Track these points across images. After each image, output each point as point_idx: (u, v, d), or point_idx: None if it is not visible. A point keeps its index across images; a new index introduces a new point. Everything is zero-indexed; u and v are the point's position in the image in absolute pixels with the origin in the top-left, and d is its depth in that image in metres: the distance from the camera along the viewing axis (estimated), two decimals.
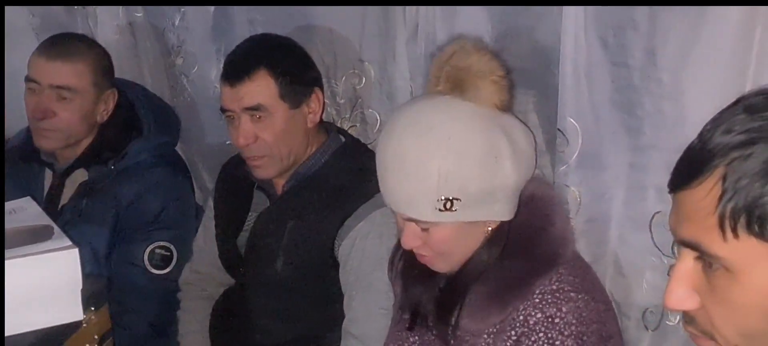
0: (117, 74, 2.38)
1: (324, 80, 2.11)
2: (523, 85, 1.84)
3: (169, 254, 2.25)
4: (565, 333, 1.47)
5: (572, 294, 1.51)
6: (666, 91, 1.56)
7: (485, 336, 1.56)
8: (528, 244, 1.57)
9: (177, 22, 2.47)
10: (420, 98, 1.61)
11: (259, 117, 1.92)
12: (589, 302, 1.51)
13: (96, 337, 1.64)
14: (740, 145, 0.88)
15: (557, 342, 1.47)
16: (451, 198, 1.50)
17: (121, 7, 2.56)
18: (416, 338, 1.72)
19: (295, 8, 2.21)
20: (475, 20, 1.85)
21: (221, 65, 2.20)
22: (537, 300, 1.51)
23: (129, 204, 2.23)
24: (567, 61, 1.67)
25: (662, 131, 1.59)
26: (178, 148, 2.52)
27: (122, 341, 1.95)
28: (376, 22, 2.06)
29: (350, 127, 2.21)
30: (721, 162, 0.89)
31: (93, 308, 1.62)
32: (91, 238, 2.17)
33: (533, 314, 1.50)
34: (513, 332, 1.52)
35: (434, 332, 1.66)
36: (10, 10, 2.73)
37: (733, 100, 0.95)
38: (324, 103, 2.04)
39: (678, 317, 1.62)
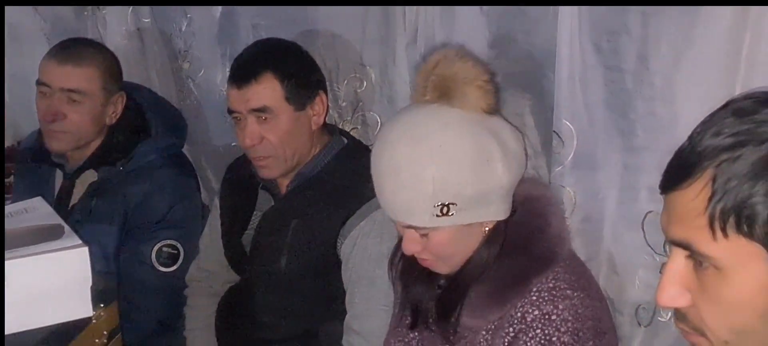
0: (126, 78, 2.38)
1: (327, 84, 2.11)
2: (520, 88, 1.85)
3: (176, 252, 2.25)
4: (562, 330, 1.48)
5: (568, 292, 1.51)
6: (658, 95, 1.56)
7: (484, 333, 1.57)
8: (525, 243, 1.57)
9: (184, 28, 2.47)
10: (409, 108, 1.61)
11: (265, 118, 1.93)
12: (584, 300, 1.52)
13: (105, 333, 1.64)
14: (729, 148, 0.89)
15: (554, 338, 1.48)
16: (447, 203, 1.50)
17: (129, 12, 2.56)
18: (416, 334, 1.73)
19: (298, 14, 2.21)
20: (473, 25, 1.85)
21: (226, 69, 2.21)
22: (534, 298, 1.51)
23: (137, 204, 2.23)
24: (562, 65, 1.67)
25: (654, 133, 1.59)
26: (185, 150, 2.52)
27: (131, 337, 1.95)
28: (376, 27, 2.06)
29: (352, 129, 2.21)
30: (711, 164, 0.90)
31: (102, 305, 1.62)
32: (100, 237, 2.17)
33: (530, 311, 1.51)
34: (511, 329, 1.52)
35: (433, 329, 1.67)
36: (21, 16, 2.75)
37: (722, 103, 0.96)
38: (328, 105, 2.04)
39: (670, 314, 1.62)
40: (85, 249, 1.56)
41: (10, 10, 2.75)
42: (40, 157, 2.34)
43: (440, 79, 1.53)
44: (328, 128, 2.08)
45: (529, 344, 1.49)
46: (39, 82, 2.20)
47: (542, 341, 1.48)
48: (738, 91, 1.40)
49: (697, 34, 1.46)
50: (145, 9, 2.55)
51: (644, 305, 1.71)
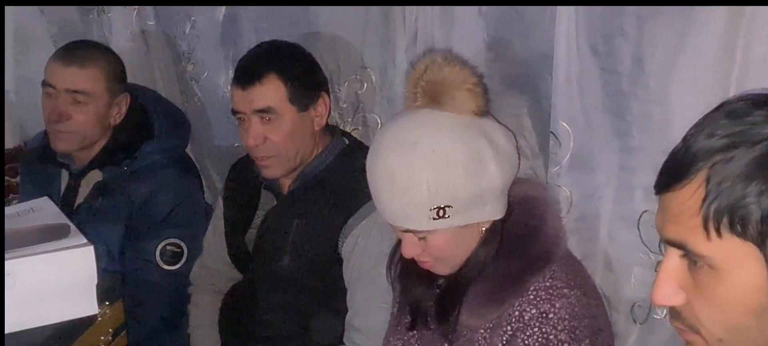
0: (131, 80, 2.38)
1: (328, 85, 2.11)
2: (518, 90, 1.85)
3: (179, 250, 2.25)
4: (559, 328, 1.48)
5: (565, 290, 1.51)
6: (653, 96, 1.56)
7: (482, 331, 1.57)
8: (522, 243, 1.57)
9: (188, 30, 2.47)
10: (401, 115, 1.61)
11: (269, 119, 1.93)
12: (581, 298, 1.52)
13: (110, 330, 1.64)
14: (722, 149, 0.89)
15: (551, 336, 1.48)
16: (442, 206, 1.50)
17: (134, 16, 2.56)
18: (415, 332, 1.73)
19: (300, 17, 2.21)
20: (472, 29, 1.85)
21: (230, 71, 2.21)
22: (531, 297, 1.51)
23: (141, 203, 2.23)
24: (559, 67, 1.67)
25: (650, 134, 1.59)
26: (189, 150, 2.52)
27: (135, 335, 1.95)
28: (377, 30, 2.06)
29: (353, 130, 2.21)
30: (705, 165, 0.90)
31: (107, 303, 1.62)
32: (105, 236, 2.17)
33: (528, 309, 1.51)
34: (509, 328, 1.52)
35: (433, 328, 1.67)
36: (29, 19, 2.75)
37: (716, 105, 0.96)
38: (330, 107, 2.04)
39: (665, 312, 1.62)
40: (91, 248, 1.56)
41: (17, 13, 2.76)
42: (46, 157, 2.34)
43: (430, 85, 1.53)
44: (329, 129, 2.08)
45: (526, 342, 1.49)
46: (44, 84, 2.20)
47: (540, 340, 1.48)
48: (732, 93, 1.40)
49: (692, 37, 1.46)
50: (150, 12, 2.55)
51: (640, 303, 1.71)
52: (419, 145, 1.50)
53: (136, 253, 2.23)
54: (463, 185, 1.50)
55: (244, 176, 2.14)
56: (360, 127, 2.22)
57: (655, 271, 0.98)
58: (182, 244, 2.26)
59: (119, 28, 2.59)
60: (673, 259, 0.96)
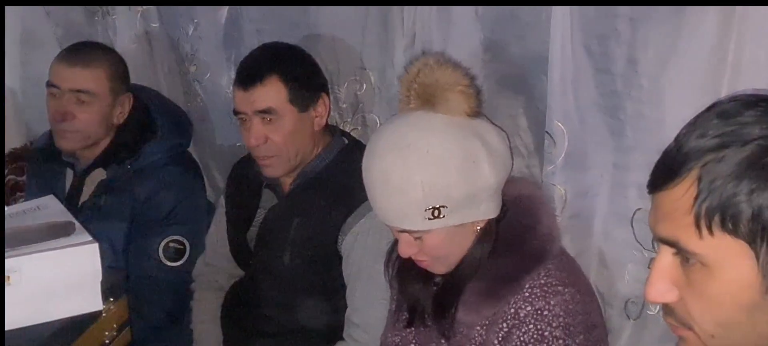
0: (135, 80, 2.38)
1: (328, 86, 2.11)
2: (514, 90, 1.85)
3: (182, 247, 2.26)
4: (554, 325, 1.48)
5: (560, 288, 1.51)
6: (646, 97, 1.56)
7: (478, 328, 1.57)
8: (517, 241, 1.57)
9: (190, 32, 2.47)
10: (395, 118, 1.60)
11: (270, 120, 1.93)
12: (575, 295, 1.52)
13: (115, 326, 1.64)
14: (714, 149, 0.89)
15: (546, 333, 1.48)
16: (437, 206, 1.50)
17: (138, 17, 2.56)
18: (412, 329, 1.73)
19: (300, 19, 2.21)
20: (468, 31, 1.85)
21: (232, 72, 2.21)
22: (527, 294, 1.51)
23: (144, 201, 2.23)
24: (554, 68, 1.67)
25: (643, 133, 1.59)
26: (191, 150, 2.52)
27: (139, 330, 1.95)
28: (376, 32, 2.06)
29: (352, 130, 2.21)
30: (696, 164, 0.90)
31: (112, 299, 1.62)
32: (109, 233, 2.17)
33: (523, 307, 1.51)
34: (504, 325, 1.53)
35: (429, 324, 1.67)
36: (35, 21, 2.75)
37: (708, 105, 0.96)
38: (329, 107, 2.04)
39: (658, 308, 1.62)
40: (96, 245, 1.56)
41: (24, 16, 2.76)
42: (51, 156, 2.34)
43: (422, 88, 1.53)
44: (329, 129, 2.08)
45: (522, 338, 1.49)
46: (49, 84, 2.20)
47: (535, 336, 1.48)
48: (723, 93, 1.40)
49: (684, 38, 1.46)
50: (154, 14, 2.55)
51: (633, 299, 1.71)
52: (413, 147, 1.50)
53: (139, 250, 2.23)
54: (457, 185, 1.50)
55: (246, 175, 2.14)
56: (359, 127, 2.22)
57: (649, 268, 0.98)
58: (185, 241, 2.26)
59: (124, 30, 2.59)
60: (666, 256, 0.96)
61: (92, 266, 1.56)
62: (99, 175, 2.28)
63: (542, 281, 1.52)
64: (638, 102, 1.58)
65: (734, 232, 0.88)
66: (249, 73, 1.94)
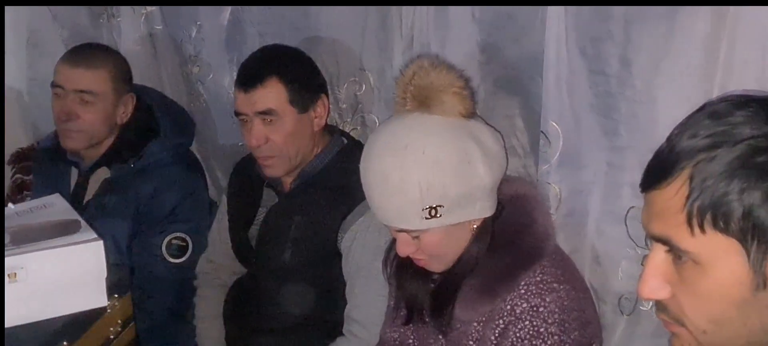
0: (138, 81, 2.38)
1: (328, 87, 2.11)
2: (510, 92, 1.85)
3: (185, 244, 2.25)
4: (549, 321, 1.48)
5: (555, 285, 1.51)
6: (640, 97, 1.56)
7: (475, 325, 1.57)
8: (513, 239, 1.57)
9: (194, 34, 2.47)
10: (392, 120, 1.60)
11: (270, 120, 1.93)
12: (570, 292, 1.52)
13: (119, 322, 1.64)
14: (705, 148, 0.89)
15: (541, 329, 1.48)
16: (434, 206, 1.50)
17: (142, 20, 2.56)
18: (410, 326, 1.73)
19: (301, 21, 2.21)
20: (466, 33, 1.84)
21: (234, 73, 2.21)
22: (523, 291, 1.51)
23: (148, 199, 2.23)
24: (549, 69, 1.67)
25: (636, 133, 1.59)
26: (194, 149, 2.52)
27: (143, 326, 1.96)
28: (375, 34, 2.06)
29: (352, 130, 2.21)
30: (688, 164, 0.90)
31: (116, 295, 1.62)
32: (113, 230, 2.17)
33: (519, 303, 1.51)
34: (501, 321, 1.53)
35: (427, 321, 1.67)
36: (41, 23, 2.74)
37: (699, 106, 0.96)
38: (329, 108, 2.04)
39: (651, 304, 1.62)
40: (100, 243, 1.57)
41: (30, 18, 2.76)
42: (56, 155, 2.34)
43: (418, 90, 1.53)
44: (329, 129, 2.08)
45: (518, 335, 1.49)
46: (54, 85, 2.20)
47: (531, 332, 1.48)
48: (715, 94, 1.40)
49: (676, 40, 1.46)
50: (158, 16, 2.54)
51: (627, 296, 1.71)
52: (410, 148, 1.50)
53: (143, 247, 2.23)
54: (453, 185, 1.50)
55: (247, 174, 2.14)
56: (359, 127, 2.22)
57: (642, 265, 0.98)
58: (187, 238, 2.26)
59: (128, 32, 2.59)
60: (659, 254, 0.96)
61: (97, 263, 1.56)
62: (103, 173, 2.28)
63: (538, 278, 1.52)
64: (632, 102, 1.58)
65: (725, 230, 0.89)
66: (249, 75, 1.94)
